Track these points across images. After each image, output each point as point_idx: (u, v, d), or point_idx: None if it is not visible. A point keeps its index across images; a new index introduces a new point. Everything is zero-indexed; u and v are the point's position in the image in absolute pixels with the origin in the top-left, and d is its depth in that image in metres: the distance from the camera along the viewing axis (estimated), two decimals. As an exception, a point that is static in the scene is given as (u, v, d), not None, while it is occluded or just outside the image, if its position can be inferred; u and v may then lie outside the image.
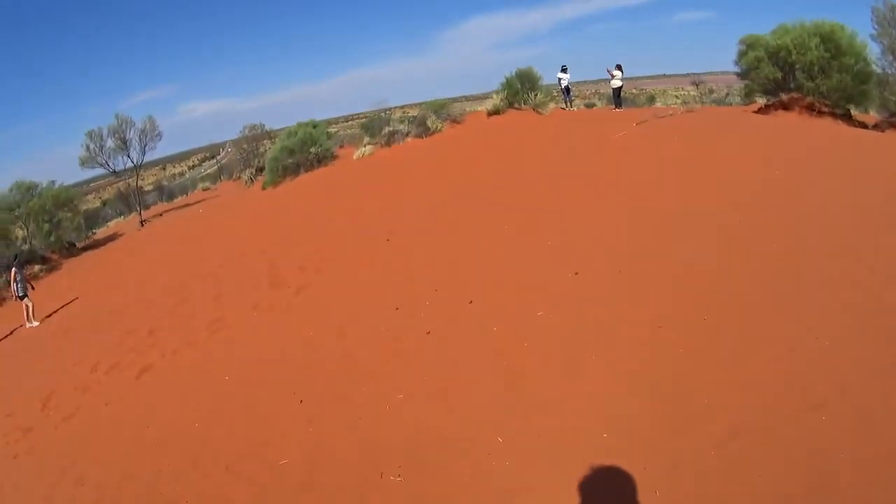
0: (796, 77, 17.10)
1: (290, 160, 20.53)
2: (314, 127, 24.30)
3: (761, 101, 21.00)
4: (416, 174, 13.61)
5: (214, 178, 33.54)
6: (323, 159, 20.59)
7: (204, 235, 15.95)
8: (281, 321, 6.96)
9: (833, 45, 16.37)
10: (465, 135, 17.79)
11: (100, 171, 25.66)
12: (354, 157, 19.66)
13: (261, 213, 15.82)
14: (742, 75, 19.14)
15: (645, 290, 5.09)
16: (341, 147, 22.55)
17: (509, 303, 5.48)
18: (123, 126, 23.82)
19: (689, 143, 9.86)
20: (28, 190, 22.60)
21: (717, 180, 7.48)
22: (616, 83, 20.37)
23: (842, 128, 13.62)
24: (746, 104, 23.89)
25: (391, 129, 19.69)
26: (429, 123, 19.20)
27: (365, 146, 19.86)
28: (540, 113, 19.80)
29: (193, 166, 60.20)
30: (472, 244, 7.30)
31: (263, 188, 21.34)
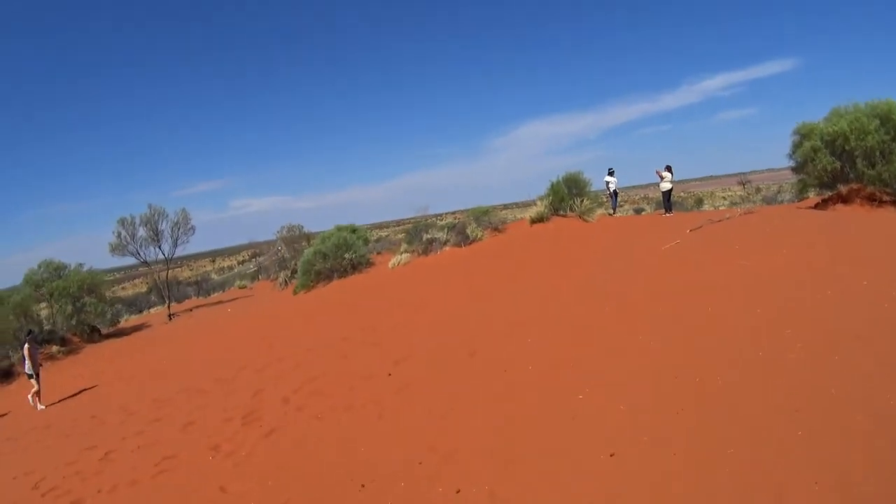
0: (856, 165, 15.57)
1: (323, 265, 19.78)
2: (353, 231, 23.89)
3: (814, 195, 19.50)
4: (446, 288, 12.33)
5: (254, 276, 33.41)
6: (357, 266, 19.75)
7: (217, 340, 14.94)
8: (231, 474, 5.44)
9: (893, 125, 15.06)
10: (504, 245, 16.58)
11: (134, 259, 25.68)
12: (389, 265, 18.73)
13: (278, 323, 14.72)
14: (797, 169, 17.72)
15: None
16: (379, 254, 21.76)
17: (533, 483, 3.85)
18: (156, 216, 23.99)
19: (751, 253, 8.33)
20: (56, 270, 22.85)
21: (785, 300, 5.83)
22: (666, 186, 19.15)
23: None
24: (799, 200, 22.19)
25: (430, 236, 18.78)
26: (468, 232, 18.21)
27: (402, 254, 18.97)
28: (586, 220, 18.52)
29: (243, 261, 61.43)
30: (487, 393, 5.71)
31: (295, 293, 20.55)
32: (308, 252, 20.65)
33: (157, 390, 10.81)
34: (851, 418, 3.51)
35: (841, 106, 16.97)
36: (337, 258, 19.65)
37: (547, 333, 6.97)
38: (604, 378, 5.20)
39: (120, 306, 28.75)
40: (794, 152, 17.65)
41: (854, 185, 15.76)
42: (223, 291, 31.75)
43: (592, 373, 5.38)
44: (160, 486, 5.73)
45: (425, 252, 18.45)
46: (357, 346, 9.23)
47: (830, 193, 16.67)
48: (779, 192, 38.13)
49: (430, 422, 5.31)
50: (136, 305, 32.95)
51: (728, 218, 11.89)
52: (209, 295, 32.43)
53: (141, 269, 26.11)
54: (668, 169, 19.19)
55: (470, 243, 18.12)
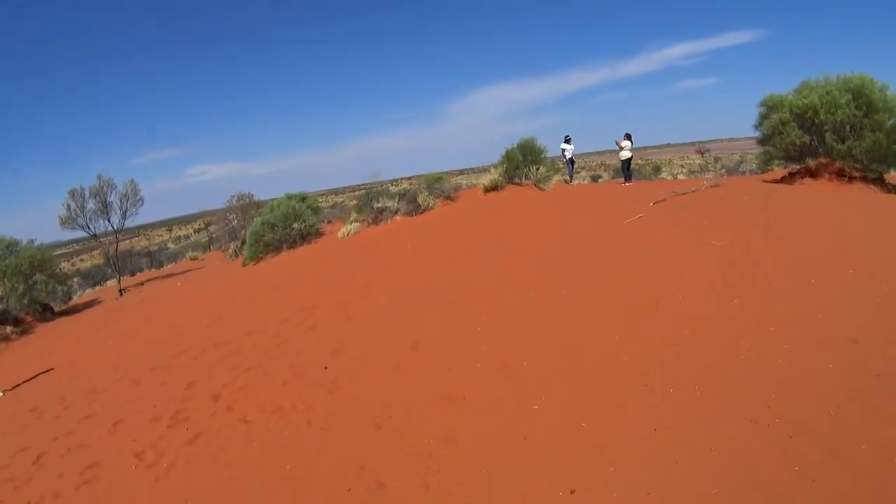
0: (825, 140, 15.70)
1: (271, 235, 19.35)
2: (303, 199, 23.34)
3: (778, 167, 19.70)
4: (392, 262, 12.17)
5: (206, 246, 32.61)
6: (306, 236, 19.39)
7: (160, 319, 14.54)
8: (149, 493, 5.31)
9: (865, 100, 15.07)
10: (456, 214, 16.41)
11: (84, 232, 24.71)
12: (339, 234, 18.45)
13: (219, 300, 14.39)
14: (763, 141, 17.82)
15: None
16: (329, 223, 21.41)
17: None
18: (105, 188, 22.99)
19: (722, 233, 7.97)
20: (8, 247, 21.86)
21: (767, 292, 5.81)
22: (625, 154, 19.18)
23: (881, 195, 12.04)
24: (762, 172, 22.42)
25: (380, 205, 18.49)
26: (419, 200, 17.99)
27: (351, 223, 18.67)
28: (542, 189, 18.47)
29: (199, 230, 59.98)
30: (428, 396, 5.61)
31: (244, 265, 20.14)
32: (256, 222, 20.15)
33: (95, 378, 10.51)
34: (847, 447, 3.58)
35: (811, 79, 16.95)
36: (285, 228, 19.23)
37: (498, 323, 6.87)
38: (558, 389, 4.98)
39: (73, 282, 27.80)
40: (760, 124, 17.67)
41: (823, 160, 15.79)
42: (175, 263, 30.95)
43: (546, 381, 5.22)
44: (80, 501, 5.59)
45: (375, 221, 18.20)
46: (295, 329, 9.09)
47: (798, 167, 16.82)
48: (741, 162, 38.59)
49: (363, 436, 5.17)
50: (92, 278, 31.97)
51: (694, 191, 11.77)
52: (162, 266, 31.65)
53: (99, 238, 24.97)
54: (628, 137, 19.11)
55: (421, 212, 17.93)
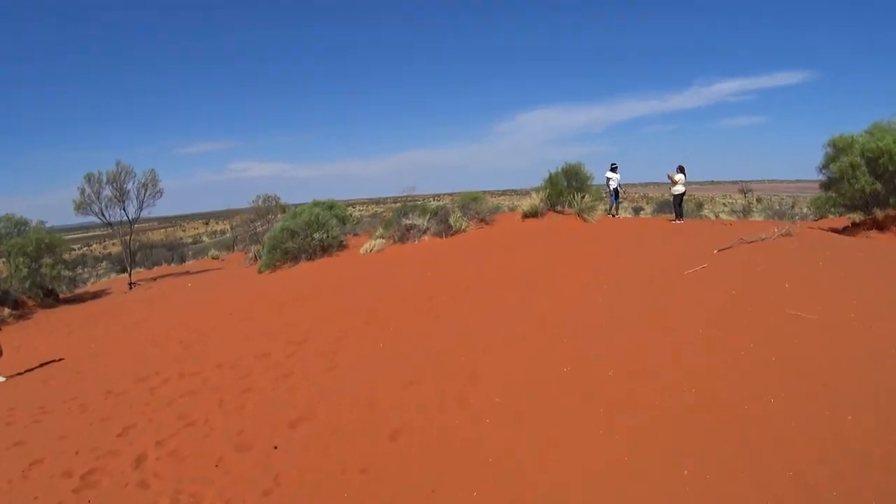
0: None
1: (290, 243, 17.95)
2: (330, 208, 21.97)
3: (835, 215, 17.51)
4: (407, 292, 10.47)
5: (230, 245, 31.66)
6: (328, 248, 17.91)
7: (151, 326, 13.21)
8: None
9: None
10: (489, 240, 14.58)
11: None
12: (361, 250, 16.90)
13: (217, 314, 12.96)
14: (828, 185, 15.66)
15: None
16: (356, 235, 19.89)
17: None
18: (123, 175, 22.10)
19: (808, 299, 5.87)
20: (17, 225, 21.21)
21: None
22: (678, 189, 16.87)
23: None
24: (817, 219, 19.96)
25: (409, 222, 16.87)
26: (451, 221, 16.28)
27: (376, 239, 17.09)
28: (585, 219, 16.38)
29: (235, 226, 59.80)
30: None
31: (259, 272, 18.78)
32: (275, 228, 18.81)
33: (51, 392, 9.24)
34: None
35: (884, 119, 14.91)
36: (306, 238, 17.80)
37: (513, 398, 5.08)
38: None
39: (85, 269, 27.22)
40: (826, 166, 15.56)
41: (893, 212, 13.90)
42: (197, 260, 30.07)
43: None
44: None
45: (402, 239, 16.57)
46: (267, 372, 7.44)
47: (864, 217, 14.73)
48: (793, 206, 35.82)
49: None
50: (120, 263, 31.41)
51: (763, 239, 9.71)
52: (183, 261, 30.85)
53: (115, 227, 24.11)
54: (681, 170, 16.90)
55: (452, 234, 16.21)
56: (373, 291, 11.34)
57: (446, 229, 16.27)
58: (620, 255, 10.70)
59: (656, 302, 6.72)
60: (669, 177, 16.92)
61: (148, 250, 31.68)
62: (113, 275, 28.80)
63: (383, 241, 16.85)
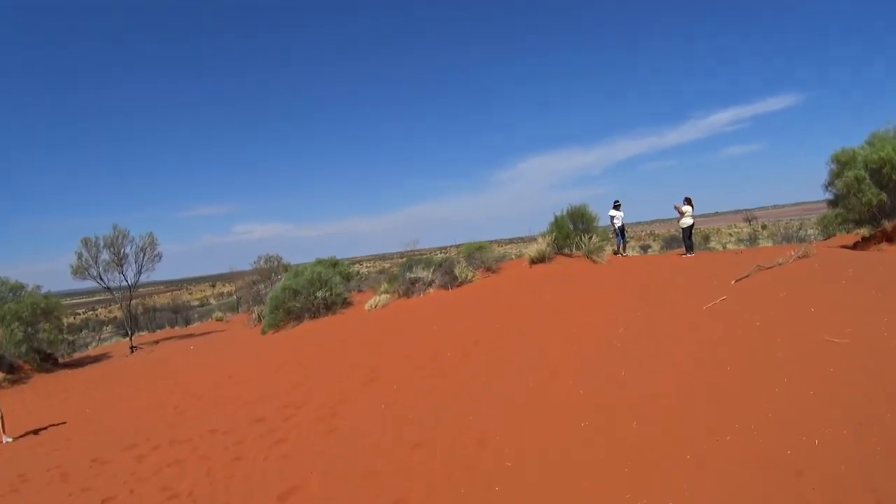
0: None
1: (293, 303, 17.59)
2: (333, 265, 21.76)
3: (842, 233, 17.05)
4: (409, 352, 9.99)
5: (234, 307, 31.34)
6: (332, 306, 17.53)
7: (148, 391, 12.71)
8: None
9: None
10: (496, 290, 14.13)
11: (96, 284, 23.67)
12: (366, 306, 16.50)
13: (213, 379, 12.47)
14: (836, 202, 15.35)
15: None
16: (360, 292, 19.56)
17: None
18: (120, 239, 21.99)
19: (837, 322, 5.37)
20: (12, 290, 21.00)
21: None
22: (686, 221, 16.52)
23: None
24: (826, 238, 19.39)
25: (413, 275, 16.52)
26: (456, 272, 15.90)
27: (380, 294, 16.72)
28: (594, 261, 15.92)
29: (239, 287, 59.68)
30: None
31: (263, 333, 18.35)
32: (277, 288, 18.49)
33: (34, 460, 8.77)
34: None
35: (880, 130, 14.85)
36: (309, 296, 17.45)
37: (525, 462, 4.57)
38: None
39: (85, 333, 26.88)
40: (831, 183, 15.31)
41: None
42: (201, 322, 29.69)
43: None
44: None
45: (407, 294, 16.18)
46: (261, 439, 6.92)
47: (872, 231, 14.33)
48: (800, 228, 35.32)
49: None
50: (124, 327, 31.07)
51: (781, 263, 9.26)
52: (188, 324, 30.47)
53: (115, 292, 23.83)
54: (688, 202, 16.64)
55: (458, 285, 15.82)
56: (376, 348, 10.87)
57: (452, 281, 15.88)
58: (633, 294, 10.23)
59: (677, 342, 6.23)
60: (677, 208, 16.64)
61: (152, 313, 31.40)
62: (116, 339, 28.42)
63: (388, 296, 16.47)
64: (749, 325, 6.02)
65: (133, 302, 25.56)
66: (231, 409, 8.82)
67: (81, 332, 25.50)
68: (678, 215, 16.76)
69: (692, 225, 16.80)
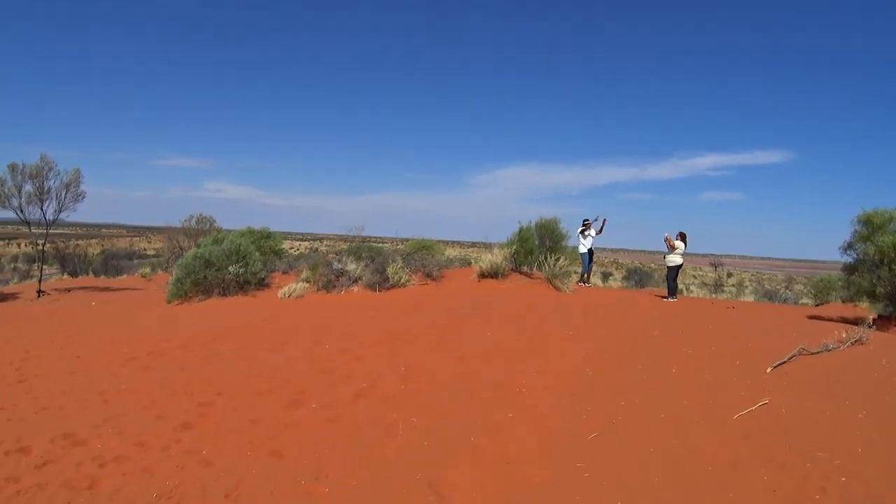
0: None
1: (203, 273, 15.35)
2: (267, 237, 19.49)
3: (841, 301, 15.49)
4: (304, 369, 7.85)
5: (165, 265, 29.00)
6: (245, 285, 15.32)
7: (30, 351, 10.43)
8: None
9: None
10: (430, 303, 11.93)
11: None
12: (280, 293, 14.33)
13: (89, 360, 10.17)
14: (853, 268, 13.39)
15: None
16: (285, 273, 17.33)
17: None
18: (45, 171, 19.55)
19: None
20: None
21: None
22: (675, 259, 14.26)
23: None
24: (817, 305, 17.43)
25: (340, 267, 14.35)
26: (389, 272, 13.77)
27: (298, 283, 14.52)
28: (557, 288, 13.53)
29: (167, 246, 58.21)
30: None
31: (168, 301, 16.08)
32: (189, 255, 16.18)
33: None
34: None
35: None
36: (220, 269, 15.21)
37: None
38: None
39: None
40: (851, 246, 13.27)
41: None
42: (127, 276, 27.30)
43: None
44: None
45: (327, 287, 14.01)
46: (105, 467, 4.76)
47: (892, 310, 12.44)
48: (787, 287, 33.53)
49: None
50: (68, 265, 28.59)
51: (831, 349, 7.09)
52: (118, 274, 28.05)
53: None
54: (682, 238, 14.22)
55: (388, 288, 13.69)
56: (270, 354, 8.71)
57: (382, 281, 13.75)
58: (610, 345, 7.96)
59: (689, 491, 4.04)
60: (668, 241, 14.18)
61: (82, 259, 28.99)
62: (33, 279, 26.00)
63: (306, 286, 14.29)
64: (823, 463, 3.86)
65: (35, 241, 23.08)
66: (94, 409, 6.60)
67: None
68: (667, 249, 14.38)
69: (681, 265, 14.46)
